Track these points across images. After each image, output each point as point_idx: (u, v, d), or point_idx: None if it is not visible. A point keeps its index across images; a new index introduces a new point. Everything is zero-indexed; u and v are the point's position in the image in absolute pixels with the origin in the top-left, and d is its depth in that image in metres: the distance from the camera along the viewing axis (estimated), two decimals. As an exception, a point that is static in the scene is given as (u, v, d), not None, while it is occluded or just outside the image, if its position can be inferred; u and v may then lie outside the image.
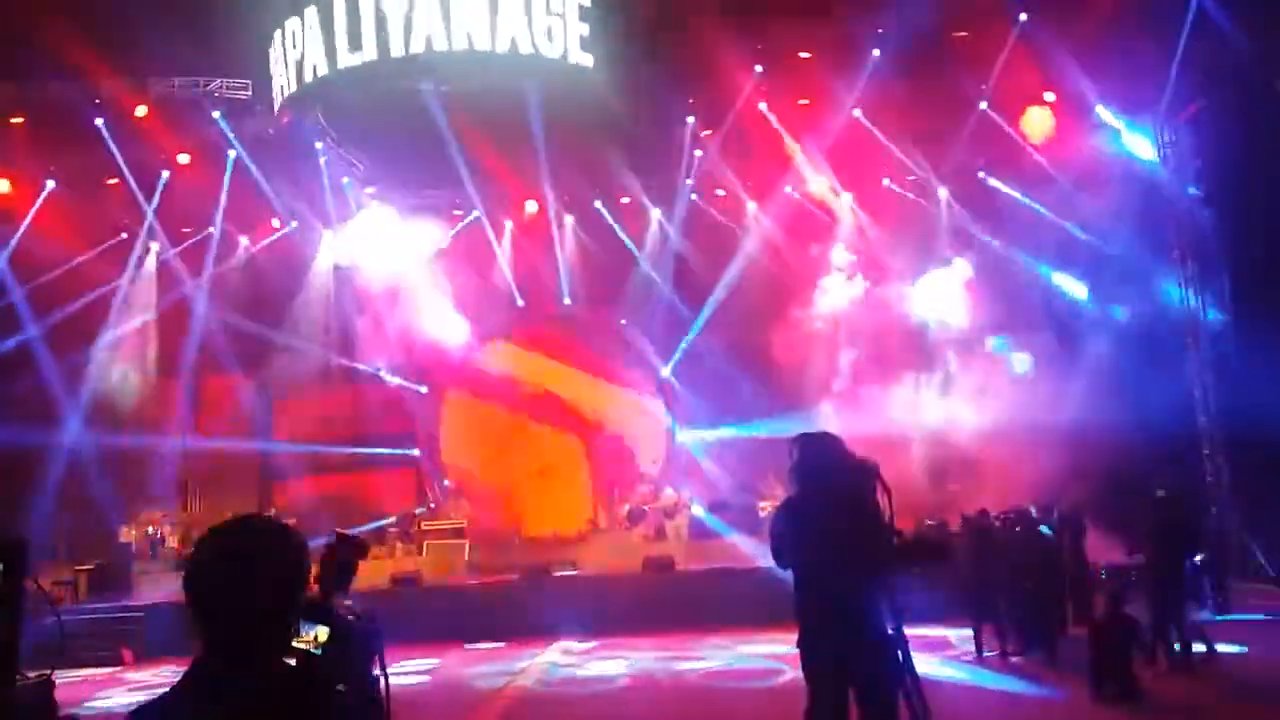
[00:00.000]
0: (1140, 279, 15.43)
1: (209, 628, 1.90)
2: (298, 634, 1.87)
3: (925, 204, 17.41)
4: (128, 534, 16.42)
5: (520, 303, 18.86)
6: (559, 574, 15.10)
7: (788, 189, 17.09)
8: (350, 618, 3.68)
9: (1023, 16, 14.12)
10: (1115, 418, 13.24)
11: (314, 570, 1.95)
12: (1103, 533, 11.69)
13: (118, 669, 12.66)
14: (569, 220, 18.34)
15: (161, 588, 14.87)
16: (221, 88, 15.23)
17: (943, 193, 17.24)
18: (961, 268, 17.09)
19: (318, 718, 1.93)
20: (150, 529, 16.62)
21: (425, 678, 11.07)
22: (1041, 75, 14.64)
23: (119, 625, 13.61)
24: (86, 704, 9.83)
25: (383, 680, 3.66)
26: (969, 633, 10.30)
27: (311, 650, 3.04)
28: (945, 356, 16.89)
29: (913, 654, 4.57)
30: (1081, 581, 11.25)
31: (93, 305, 17.09)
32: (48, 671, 2.90)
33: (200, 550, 1.95)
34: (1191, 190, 14.87)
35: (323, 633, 3.38)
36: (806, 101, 15.65)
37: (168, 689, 1.92)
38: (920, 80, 14.68)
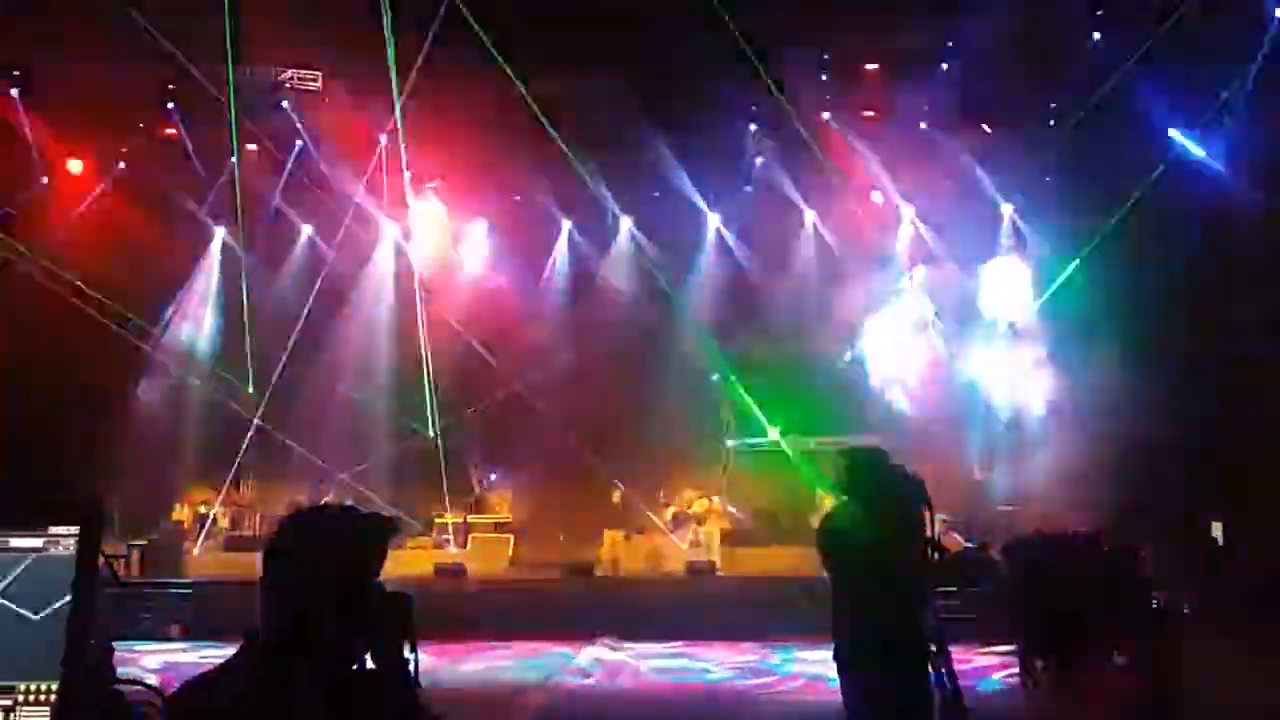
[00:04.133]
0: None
1: (280, 604, 1.97)
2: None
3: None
4: (180, 512, 16.75)
5: (574, 300, 18.91)
6: (600, 574, 15.17)
7: (849, 200, 16.97)
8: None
9: (1096, 35, 13.91)
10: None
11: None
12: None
13: (165, 644, 12.90)
14: (626, 221, 18.35)
15: (211, 567, 15.18)
16: (292, 78, 15.50)
17: (1007, 209, 17.02)
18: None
19: (370, 705, 1.97)
20: (202, 508, 16.92)
21: (462, 671, 11.14)
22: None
23: (168, 601, 13.88)
24: (141, 677, 10.00)
25: (413, 660, 3.70)
26: (1016, 657, 10.15)
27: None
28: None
29: (956, 673, 4.53)
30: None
31: (159, 287, 17.47)
32: (108, 638, 2.98)
33: (282, 530, 2.04)
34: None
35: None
36: (872, 113, 15.56)
37: (220, 663, 1.96)
38: (988, 93, 14.50)
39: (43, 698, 2.01)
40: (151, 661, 11.09)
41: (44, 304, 15.56)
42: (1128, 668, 8.59)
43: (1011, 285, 17.05)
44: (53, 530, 2.11)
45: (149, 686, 2.20)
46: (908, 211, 17.26)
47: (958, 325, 17.09)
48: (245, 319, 17.43)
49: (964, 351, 17.12)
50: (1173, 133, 14.94)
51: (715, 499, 17.03)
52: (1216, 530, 12.25)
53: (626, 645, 12.71)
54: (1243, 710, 8.33)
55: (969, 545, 12.74)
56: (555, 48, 13.42)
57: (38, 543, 2.10)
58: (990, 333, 17.11)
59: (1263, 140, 13.60)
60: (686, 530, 16.56)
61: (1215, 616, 10.66)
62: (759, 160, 16.53)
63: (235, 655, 1.98)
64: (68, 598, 2.05)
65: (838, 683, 4.72)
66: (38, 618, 2.05)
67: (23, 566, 2.08)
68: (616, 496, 17.19)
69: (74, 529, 2.11)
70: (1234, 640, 10.71)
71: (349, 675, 1.97)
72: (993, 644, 11.10)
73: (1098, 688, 9.25)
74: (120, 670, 2.90)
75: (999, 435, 16.84)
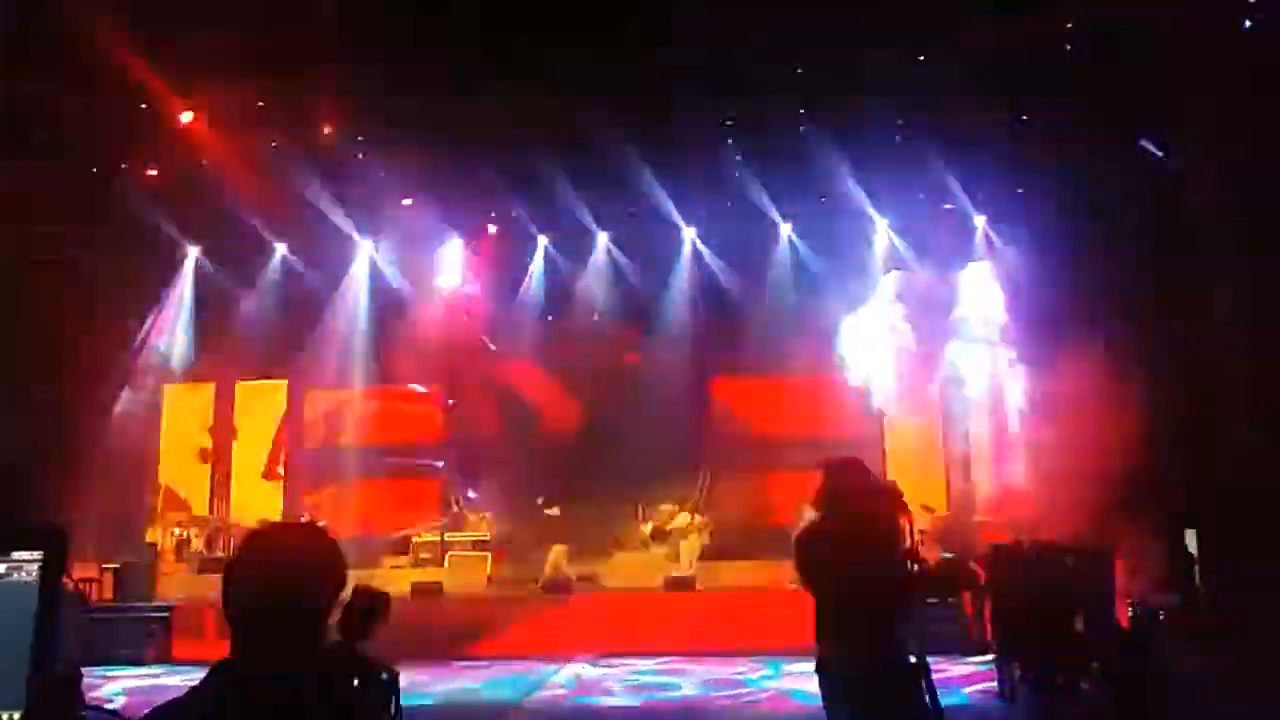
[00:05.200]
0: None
1: (242, 628, 1.94)
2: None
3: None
4: (153, 534, 16.58)
5: (549, 317, 18.91)
6: (580, 590, 15.13)
7: (823, 211, 17.04)
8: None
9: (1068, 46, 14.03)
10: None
11: (337, 618, 2.01)
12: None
13: (138, 668, 12.74)
14: (602, 236, 18.35)
15: (185, 589, 15.02)
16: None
17: (979, 221, 17.15)
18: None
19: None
20: (176, 530, 16.76)
21: (441, 690, 11.06)
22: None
23: (141, 625, 13.71)
24: (105, 702, 9.89)
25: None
26: (996, 668, 10.18)
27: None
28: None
29: (936, 686, 4.52)
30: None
31: (129, 307, 17.32)
32: (75, 664, 2.93)
33: (242, 550, 2.00)
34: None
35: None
36: (843, 124, 15.62)
37: (190, 687, 1.93)
38: (958, 102, 14.58)
39: (6, 727, 1.97)
40: (123, 686, 10.95)
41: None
42: (1103, 677, 8.61)
43: (986, 291, 17.19)
44: (15, 555, 2.07)
45: (114, 713, 2.16)
46: (882, 222, 17.36)
47: (933, 331, 17.20)
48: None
49: (940, 358, 17.23)
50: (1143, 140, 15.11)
51: (693, 514, 17.02)
52: (1190, 539, 12.32)
53: (605, 662, 12.67)
54: (1218, 713, 8.39)
55: (948, 556, 12.78)
56: (529, 61, 13.37)
57: (0, 569, 2.06)
58: (967, 338, 17.23)
59: (1232, 140, 13.79)
60: (664, 545, 16.53)
61: (1189, 624, 10.76)
62: (735, 174, 16.57)
63: (205, 679, 1.95)
64: (31, 624, 2.01)
65: (814, 697, 4.70)
66: (0, 644, 2.00)
67: (-16, 592, 2.04)
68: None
69: (37, 554, 2.07)
70: (1208, 648, 10.80)
71: (320, 698, 1.93)
72: (969, 655, 11.17)
73: (1073, 697, 9.28)
74: (88, 696, 2.85)
75: (977, 440, 16.91)
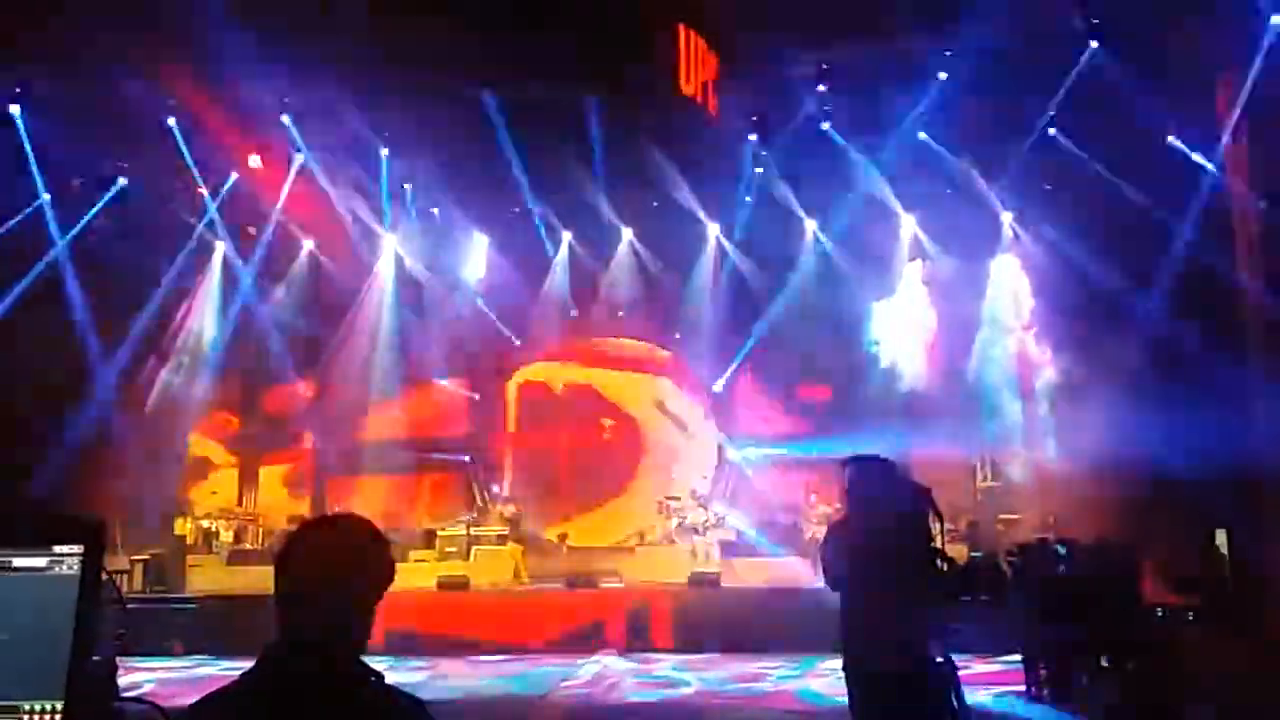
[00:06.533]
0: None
1: (291, 617, 1.98)
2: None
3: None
4: (182, 527, 16.74)
5: (574, 314, 18.94)
6: (604, 585, 15.17)
7: (849, 208, 16.96)
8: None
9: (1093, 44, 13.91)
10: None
11: None
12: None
13: (167, 660, 12.88)
14: (627, 233, 18.35)
15: (214, 582, 15.17)
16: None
17: (1007, 217, 17.02)
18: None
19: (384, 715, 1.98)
20: (205, 522, 16.92)
21: (465, 684, 11.12)
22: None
23: (170, 617, 13.86)
24: (134, 689, 9.99)
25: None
26: (1022, 666, 10.13)
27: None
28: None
29: (963, 686, 4.51)
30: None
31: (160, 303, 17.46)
32: (111, 655, 2.97)
33: (294, 540, 2.04)
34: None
35: None
36: (867, 122, 15.56)
37: (239, 675, 1.97)
38: (986, 100, 14.49)
39: (47, 717, 2.00)
40: (153, 677, 11.06)
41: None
42: (1127, 675, 8.56)
43: (1014, 284, 17.07)
44: (56, 550, 2.10)
45: (152, 704, 2.19)
46: (909, 220, 17.26)
47: (960, 323, 17.15)
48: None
49: (968, 350, 17.17)
50: (1171, 139, 14.93)
51: (716, 510, 17.01)
52: (1221, 539, 12.21)
53: (630, 656, 12.70)
54: (1243, 712, 8.31)
55: (975, 555, 12.73)
56: (549, 57, 13.40)
57: (41, 562, 2.09)
58: (994, 331, 17.14)
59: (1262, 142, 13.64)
60: (688, 541, 16.54)
61: (1217, 623, 10.66)
62: (759, 170, 16.53)
63: (251, 669, 1.98)
64: (72, 617, 2.04)
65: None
66: (41, 637, 2.04)
67: (26, 586, 2.07)
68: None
69: (78, 548, 2.10)
70: (1235, 646, 10.70)
71: (364, 689, 1.97)
72: (997, 654, 11.12)
73: (1097, 696, 9.23)
74: (123, 686, 2.90)
75: (1004, 434, 16.75)
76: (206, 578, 15.48)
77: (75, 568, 2.09)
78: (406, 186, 17.14)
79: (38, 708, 2.00)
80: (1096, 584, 10.14)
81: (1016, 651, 10.35)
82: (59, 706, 2.00)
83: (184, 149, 15.39)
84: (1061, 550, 10.56)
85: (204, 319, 17.96)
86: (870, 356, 17.42)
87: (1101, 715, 8.80)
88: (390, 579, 2.07)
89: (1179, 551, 11.71)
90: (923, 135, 15.35)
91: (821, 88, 14.87)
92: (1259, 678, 9.00)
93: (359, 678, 1.97)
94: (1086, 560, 10.29)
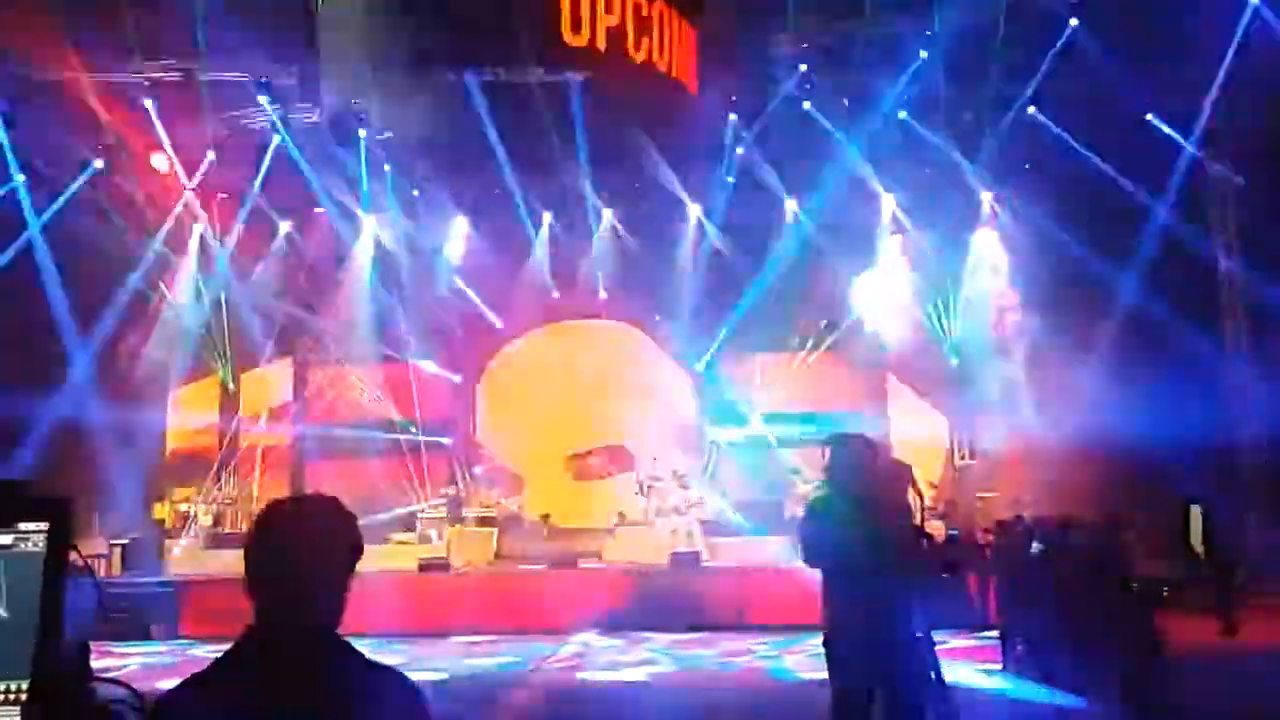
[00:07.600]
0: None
1: (264, 596, 1.98)
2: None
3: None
4: (160, 510, 16.63)
5: (555, 295, 18.87)
6: (585, 566, 15.18)
7: (826, 188, 16.94)
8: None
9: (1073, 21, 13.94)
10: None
11: None
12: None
13: (145, 644, 12.81)
14: (607, 213, 18.26)
15: (192, 565, 15.09)
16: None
17: (986, 196, 17.03)
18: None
19: (366, 694, 1.97)
20: (183, 506, 16.81)
21: (447, 665, 11.12)
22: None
23: (148, 601, 13.78)
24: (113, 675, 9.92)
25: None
26: (999, 641, 10.21)
27: None
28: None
29: (940, 660, 4.54)
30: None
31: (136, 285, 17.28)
32: (84, 637, 2.93)
33: (262, 519, 2.05)
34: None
35: None
36: (847, 101, 15.55)
37: (217, 656, 1.97)
38: (966, 81, 14.51)
39: (13, 696, 1.97)
40: (131, 661, 11.00)
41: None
42: (1106, 649, 8.64)
43: (994, 258, 17.14)
44: (22, 526, 2.06)
45: (126, 686, 2.16)
46: (888, 200, 17.25)
47: (940, 295, 17.19)
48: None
49: (947, 323, 17.25)
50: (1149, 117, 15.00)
51: (697, 490, 17.02)
52: (1195, 513, 12.34)
53: (610, 636, 12.73)
54: (1217, 677, 8.44)
55: (953, 532, 12.84)
56: (530, 40, 13.34)
57: (7, 539, 2.06)
58: (973, 306, 17.22)
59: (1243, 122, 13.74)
60: (669, 521, 16.56)
61: (1192, 597, 10.78)
62: (739, 150, 16.48)
63: (229, 650, 1.98)
64: (37, 595, 2.01)
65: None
66: (7, 615, 2.00)
67: (-9, 564, 2.03)
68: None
69: (44, 525, 2.07)
70: (1210, 619, 10.85)
71: (346, 666, 1.96)
72: (975, 630, 11.21)
73: (1076, 668, 9.31)
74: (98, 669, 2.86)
75: (982, 409, 16.82)
76: (185, 561, 15.40)
77: (41, 545, 2.05)
78: (386, 168, 16.99)
79: (4, 687, 1.97)
80: (1074, 560, 10.24)
81: (994, 627, 10.44)
82: (24, 686, 1.97)
83: (160, 129, 15.24)
84: (1037, 528, 10.62)
85: (181, 300, 17.78)
86: (851, 331, 17.47)
87: (1080, 690, 8.88)
88: (359, 552, 2.07)
89: (1155, 527, 11.82)
90: (903, 114, 15.36)
91: (803, 67, 14.85)
92: (1234, 650, 9.14)
93: (337, 653, 1.97)
94: (1062, 537, 10.37)
